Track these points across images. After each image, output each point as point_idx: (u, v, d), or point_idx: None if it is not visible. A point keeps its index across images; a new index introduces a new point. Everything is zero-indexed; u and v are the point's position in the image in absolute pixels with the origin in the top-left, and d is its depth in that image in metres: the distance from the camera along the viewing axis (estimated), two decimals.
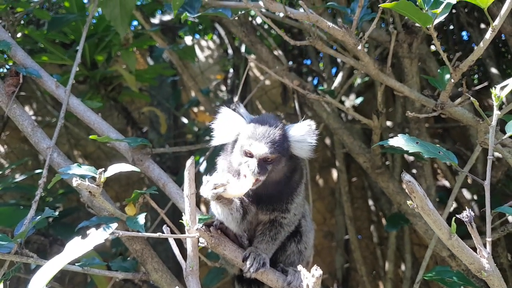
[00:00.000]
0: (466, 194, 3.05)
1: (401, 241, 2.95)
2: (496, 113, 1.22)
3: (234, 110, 1.51)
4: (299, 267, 1.00)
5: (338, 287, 3.38)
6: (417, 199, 1.07)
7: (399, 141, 1.22)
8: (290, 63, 2.43)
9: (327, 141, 3.83)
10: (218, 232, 1.54)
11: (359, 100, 3.55)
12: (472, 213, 1.11)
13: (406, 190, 1.08)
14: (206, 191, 1.38)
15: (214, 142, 1.53)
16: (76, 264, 1.55)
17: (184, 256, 1.47)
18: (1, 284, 1.33)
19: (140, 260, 1.71)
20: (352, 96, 3.58)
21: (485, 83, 2.90)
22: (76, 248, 1.15)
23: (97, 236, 1.16)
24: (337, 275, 3.35)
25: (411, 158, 2.83)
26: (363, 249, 3.45)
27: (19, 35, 2.90)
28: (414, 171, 2.63)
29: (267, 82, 4.11)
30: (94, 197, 1.35)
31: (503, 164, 2.66)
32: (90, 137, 1.53)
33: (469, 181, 3.13)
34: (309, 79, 3.67)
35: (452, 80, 1.59)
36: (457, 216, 1.13)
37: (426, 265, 1.85)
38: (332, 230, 3.69)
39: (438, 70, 1.67)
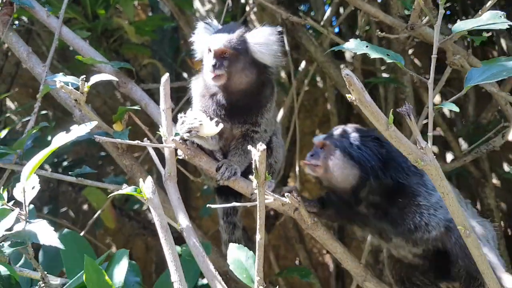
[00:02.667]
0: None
1: None
2: (442, 11, 1.27)
3: (207, 24, 1.62)
4: (249, 147, 1.11)
5: (334, 234, 3.54)
6: (355, 91, 1.12)
7: (350, 44, 1.31)
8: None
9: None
10: (194, 145, 1.69)
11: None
12: (411, 106, 1.20)
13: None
14: (180, 132, 1.54)
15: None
16: (70, 173, 1.74)
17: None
18: (4, 192, 1.50)
19: (130, 174, 1.88)
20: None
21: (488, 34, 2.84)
22: (61, 139, 1.31)
23: (79, 130, 1.32)
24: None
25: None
26: None
27: None
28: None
29: None
30: (79, 105, 1.51)
31: (493, 105, 2.69)
32: (77, 57, 1.68)
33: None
34: None
35: None
36: (397, 110, 1.22)
37: None
38: None
39: None
